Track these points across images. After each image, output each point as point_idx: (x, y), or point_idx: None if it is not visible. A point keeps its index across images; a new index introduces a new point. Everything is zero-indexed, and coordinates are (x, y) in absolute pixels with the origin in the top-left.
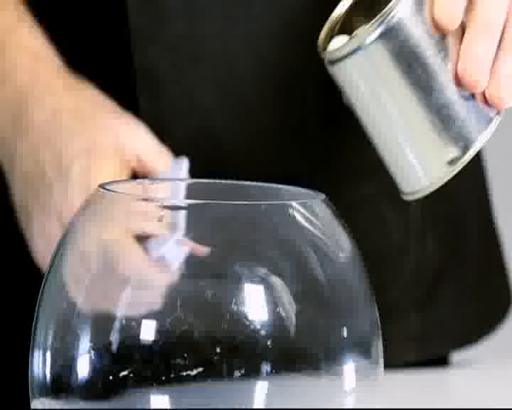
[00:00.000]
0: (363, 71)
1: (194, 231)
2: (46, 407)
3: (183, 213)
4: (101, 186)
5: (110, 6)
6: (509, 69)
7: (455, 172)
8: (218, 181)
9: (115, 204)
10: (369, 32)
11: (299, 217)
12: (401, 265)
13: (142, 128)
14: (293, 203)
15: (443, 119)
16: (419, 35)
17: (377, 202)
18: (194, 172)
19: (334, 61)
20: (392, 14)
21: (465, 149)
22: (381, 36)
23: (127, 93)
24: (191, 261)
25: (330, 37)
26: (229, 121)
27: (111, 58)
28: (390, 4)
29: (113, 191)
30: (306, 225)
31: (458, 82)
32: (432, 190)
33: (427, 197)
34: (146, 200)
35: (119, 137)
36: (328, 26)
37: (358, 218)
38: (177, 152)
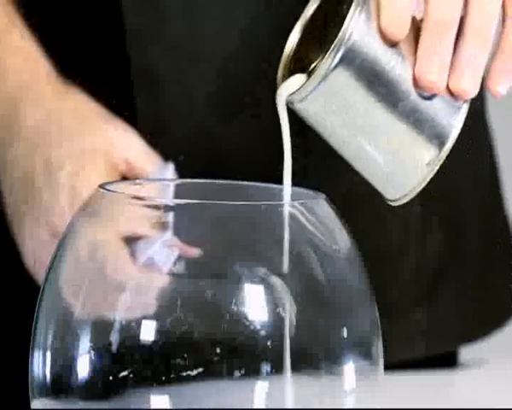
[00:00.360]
0: (328, 101)
1: (194, 231)
2: (46, 407)
3: (170, 214)
4: (101, 186)
5: (105, 6)
6: (470, 59)
7: (435, 171)
8: (217, 181)
9: (113, 204)
10: (328, 64)
11: (299, 217)
12: (401, 265)
13: (132, 132)
14: (294, 203)
15: (414, 124)
16: (375, 50)
17: (377, 202)
18: (193, 172)
19: (298, 101)
20: (346, 38)
21: (441, 146)
22: (340, 63)
23: (124, 93)
24: (191, 261)
25: (289, 75)
26: (229, 121)
27: (107, 58)
28: (342, 29)
29: (112, 191)
30: (306, 225)
31: (417, 85)
32: (416, 192)
33: (427, 197)
34: (144, 201)
35: (108, 141)
36: (282, 65)
37: (358, 218)
38: (176, 152)
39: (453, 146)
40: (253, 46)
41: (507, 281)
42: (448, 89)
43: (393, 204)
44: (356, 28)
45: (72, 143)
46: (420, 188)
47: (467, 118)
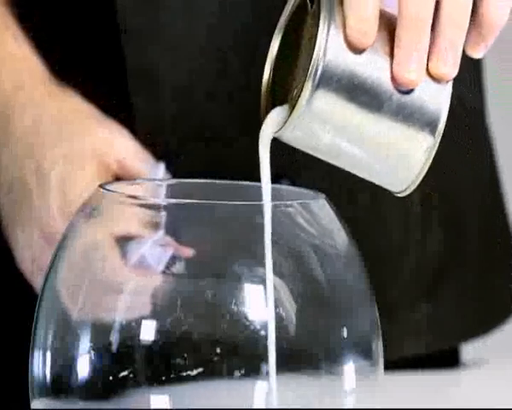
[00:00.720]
0: (314, 125)
1: (194, 231)
2: (46, 407)
3: (170, 214)
4: (101, 186)
5: (100, 6)
6: (448, 44)
7: (433, 154)
8: (217, 181)
9: (113, 205)
10: (307, 92)
11: (299, 217)
12: (401, 265)
13: (124, 133)
14: (294, 203)
15: (403, 119)
16: (350, 62)
17: (377, 202)
18: (193, 172)
19: (283, 135)
20: (320, 62)
21: (434, 130)
22: (319, 87)
23: (121, 93)
24: (191, 261)
25: (271, 104)
26: (229, 121)
27: (104, 59)
28: (314, 54)
29: (112, 191)
30: (306, 225)
31: (396, 83)
32: (420, 179)
33: (427, 197)
34: (144, 201)
35: (99, 143)
36: (263, 97)
37: (358, 218)
38: (175, 152)
39: (453, 146)
40: (253, 46)
41: (507, 281)
42: (428, 72)
43: (400, 195)
44: (328, 48)
45: (64, 144)
46: (423, 174)
47: (466, 117)
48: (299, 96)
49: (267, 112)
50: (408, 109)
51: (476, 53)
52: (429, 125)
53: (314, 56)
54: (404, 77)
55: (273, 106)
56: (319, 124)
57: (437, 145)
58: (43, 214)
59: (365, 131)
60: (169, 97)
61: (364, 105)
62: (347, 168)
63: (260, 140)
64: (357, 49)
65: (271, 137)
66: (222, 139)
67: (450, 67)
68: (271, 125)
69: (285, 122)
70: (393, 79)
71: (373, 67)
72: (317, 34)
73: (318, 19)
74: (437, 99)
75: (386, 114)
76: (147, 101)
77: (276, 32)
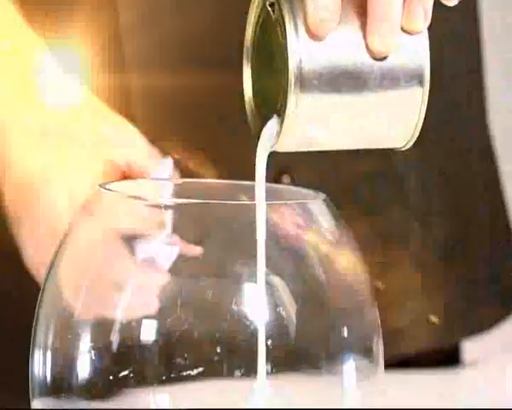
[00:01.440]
0: (306, 128)
1: (195, 231)
2: (46, 407)
3: (171, 213)
4: (101, 186)
5: (101, 4)
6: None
7: (426, 100)
8: (217, 181)
9: (114, 204)
10: (291, 102)
11: (299, 217)
12: (402, 263)
13: (132, 130)
14: (293, 203)
15: (390, 83)
16: (325, 55)
17: (378, 202)
18: (191, 172)
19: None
20: (297, 69)
21: (421, 81)
22: (302, 91)
23: (121, 93)
24: (191, 261)
25: (257, 114)
26: (228, 121)
27: (104, 57)
28: (290, 62)
29: (112, 191)
30: (306, 224)
31: (372, 53)
32: (419, 128)
33: (427, 199)
34: (145, 200)
35: (105, 139)
36: (249, 111)
37: (359, 218)
38: (173, 151)
39: (453, 146)
40: None
41: (507, 280)
42: (401, 28)
43: (404, 149)
44: (301, 51)
45: (71, 142)
46: (421, 124)
47: (466, 118)
48: (285, 108)
49: (256, 125)
50: (391, 72)
51: (450, 2)
52: (415, 77)
53: (290, 65)
54: (378, 48)
55: (261, 115)
56: (310, 124)
57: (427, 92)
58: (50, 213)
59: (357, 110)
60: (168, 97)
61: (350, 87)
62: (349, 148)
63: (257, 159)
64: (322, 37)
65: (267, 155)
66: (221, 139)
67: (422, 21)
68: (265, 144)
69: (278, 137)
70: (369, 50)
71: (348, 48)
72: (286, 40)
73: (284, 24)
74: (416, 50)
75: (373, 86)
76: (144, 100)
77: (245, 49)
